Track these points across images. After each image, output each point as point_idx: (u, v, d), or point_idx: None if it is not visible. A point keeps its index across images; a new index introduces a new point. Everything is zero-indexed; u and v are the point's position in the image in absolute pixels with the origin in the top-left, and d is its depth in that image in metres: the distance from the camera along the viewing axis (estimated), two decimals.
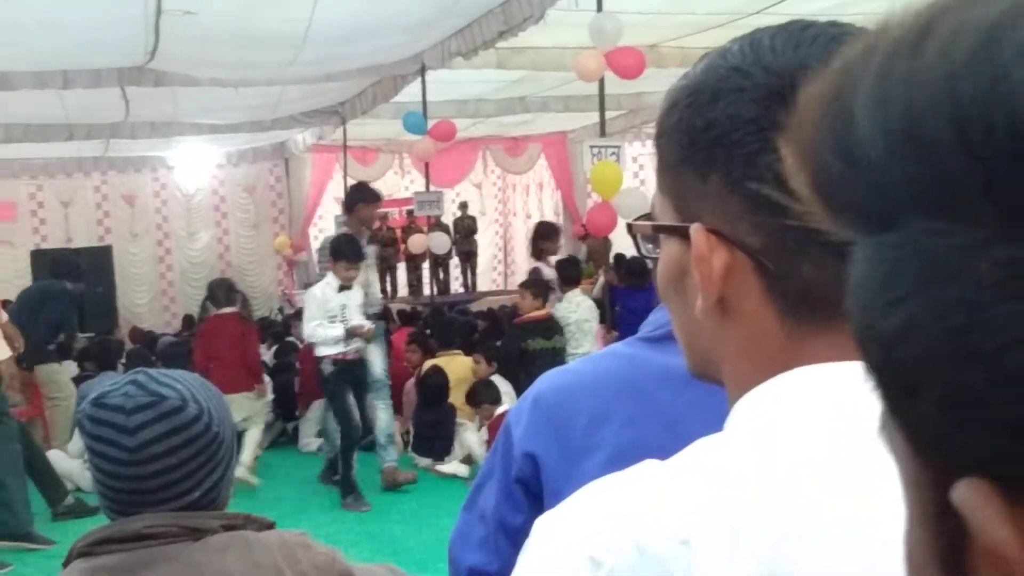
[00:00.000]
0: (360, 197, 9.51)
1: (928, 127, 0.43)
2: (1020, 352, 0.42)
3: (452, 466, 9.56)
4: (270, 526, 2.03)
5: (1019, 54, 0.41)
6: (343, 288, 8.77)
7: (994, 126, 0.41)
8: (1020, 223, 0.42)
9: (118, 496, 1.93)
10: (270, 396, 11.45)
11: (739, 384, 0.92)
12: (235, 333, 10.14)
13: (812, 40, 0.89)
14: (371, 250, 9.56)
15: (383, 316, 9.85)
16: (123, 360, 11.39)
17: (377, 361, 9.44)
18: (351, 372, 8.99)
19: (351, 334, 8.81)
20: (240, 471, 9.61)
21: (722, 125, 0.89)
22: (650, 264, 1.06)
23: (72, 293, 11.09)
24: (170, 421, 1.88)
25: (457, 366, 10.62)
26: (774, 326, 0.90)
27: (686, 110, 0.93)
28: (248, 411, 9.91)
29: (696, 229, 0.92)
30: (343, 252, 8.76)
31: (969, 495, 0.44)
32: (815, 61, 0.86)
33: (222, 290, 10.71)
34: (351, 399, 8.96)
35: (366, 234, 9.60)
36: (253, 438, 9.94)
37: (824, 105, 0.49)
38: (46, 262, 19.18)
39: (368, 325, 8.93)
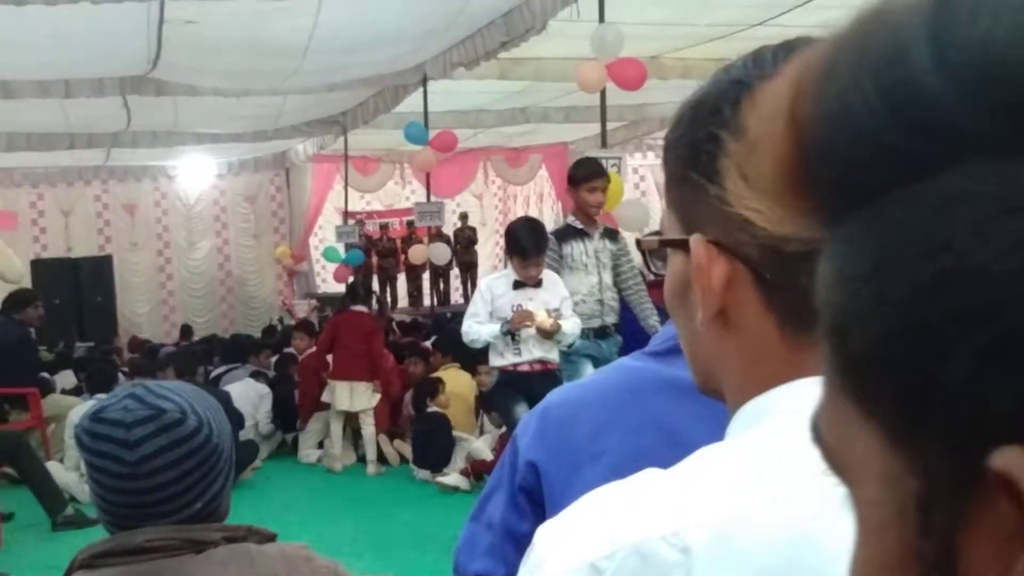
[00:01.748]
0: None
1: (1009, 59, 0.41)
2: None
3: (453, 478, 9.54)
4: (272, 538, 2.03)
5: None
6: (521, 285, 7.03)
7: None
8: None
9: (119, 510, 1.92)
10: (268, 406, 11.47)
11: (740, 395, 0.92)
12: (366, 328, 10.72)
13: (785, 45, 0.89)
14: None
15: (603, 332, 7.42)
16: (119, 382, 11.29)
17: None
18: (527, 385, 7.03)
19: (511, 330, 7.00)
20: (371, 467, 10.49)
21: (721, 136, 0.90)
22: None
23: (21, 334, 10.44)
24: (170, 434, 1.88)
25: (455, 380, 10.62)
26: (774, 337, 0.90)
27: (689, 123, 0.94)
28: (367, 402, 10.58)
29: (695, 240, 0.92)
30: (520, 244, 6.96)
31: (1018, 460, 0.40)
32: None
33: (362, 289, 11.82)
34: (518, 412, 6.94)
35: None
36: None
37: (854, 55, 0.47)
38: (47, 271, 19.32)
39: (541, 317, 6.86)
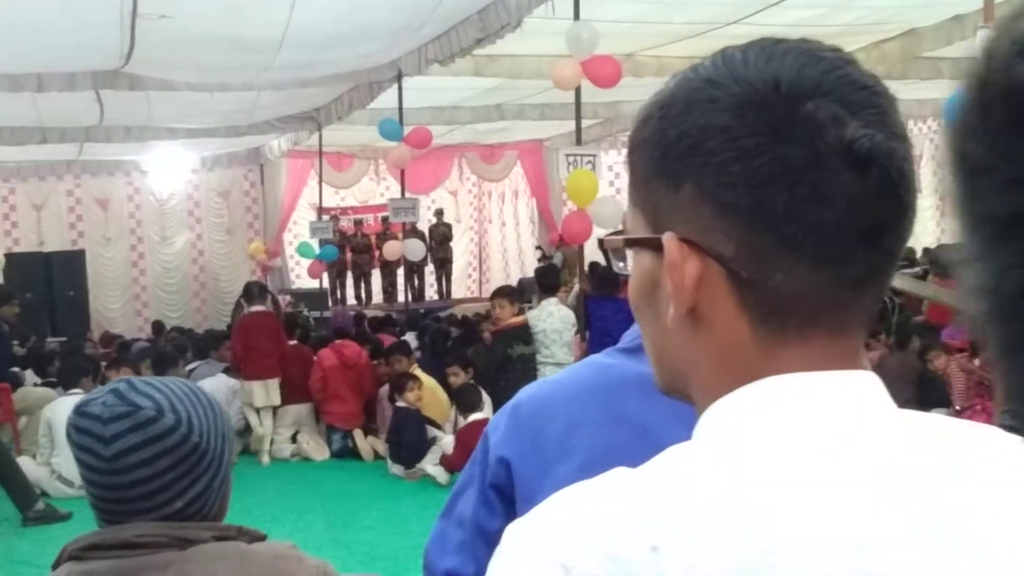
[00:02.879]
0: None
1: None
2: None
3: (431, 468, 9.56)
4: (262, 538, 2.02)
5: None
6: None
7: None
8: None
9: (101, 504, 1.93)
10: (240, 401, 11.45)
11: (709, 394, 0.92)
12: (271, 328, 11.44)
13: (784, 54, 0.89)
14: None
15: None
16: (90, 377, 11.15)
17: None
18: None
19: None
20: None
21: (695, 135, 0.89)
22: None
23: None
24: (144, 432, 1.87)
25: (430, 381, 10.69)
26: (746, 336, 0.90)
27: (659, 122, 0.94)
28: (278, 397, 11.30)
29: (668, 238, 0.92)
30: None
31: None
32: (787, 72, 0.87)
33: (256, 288, 12.15)
34: None
35: None
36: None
37: None
38: (19, 265, 19.20)
39: None
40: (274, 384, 11.22)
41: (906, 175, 0.87)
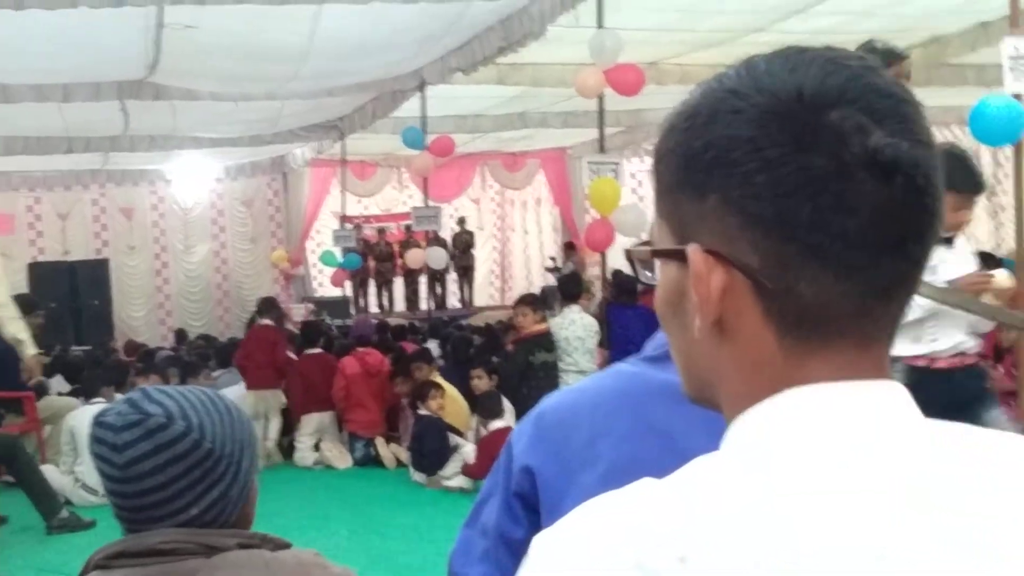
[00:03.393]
0: None
1: None
2: None
3: (456, 480, 9.57)
4: (286, 546, 2.03)
5: None
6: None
7: None
8: None
9: (121, 512, 1.94)
10: None
11: (737, 404, 0.92)
12: (269, 339, 11.77)
13: (808, 63, 0.89)
14: None
15: None
16: (112, 386, 11.14)
17: None
18: (937, 388, 5.02)
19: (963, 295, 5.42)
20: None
21: (720, 145, 0.89)
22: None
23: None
24: (154, 439, 1.88)
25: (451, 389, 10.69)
26: (772, 346, 0.90)
27: (683, 133, 0.94)
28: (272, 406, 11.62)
29: (694, 249, 0.92)
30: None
31: None
32: (811, 82, 0.87)
33: (264, 304, 12.66)
34: None
35: None
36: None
37: None
38: (44, 274, 19.31)
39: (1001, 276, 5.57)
40: (268, 394, 11.58)
41: (932, 183, 0.87)
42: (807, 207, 0.85)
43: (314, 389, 11.38)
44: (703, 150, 0.91)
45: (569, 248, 21.64)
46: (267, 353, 11.60)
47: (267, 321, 12.09)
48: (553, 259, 22.94)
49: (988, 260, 9.72)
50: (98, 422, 1.92)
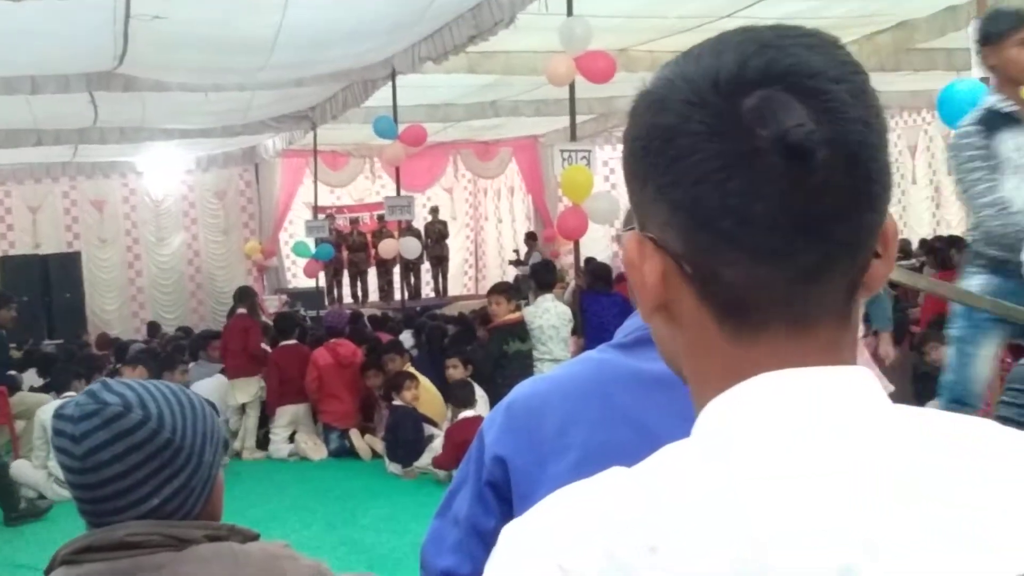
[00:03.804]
0: None
1: None
2: None
3: (427, 464, 9.58)
4: (254, 537, 2.02)
5: None
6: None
7: None
8: None
9: (83, 505, 1.93)
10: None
11: (699, 389, 0.93)
12: (242, 328, 11.98)
13: (736, 46, 0.89)
14: None
15: None
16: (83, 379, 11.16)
17: None
18: None
19: None
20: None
21: (648, 135, 0.91)
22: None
23: None
24: (111, 428, 1.87)
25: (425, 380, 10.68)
26: (715, 332, 0.90)
27: (628, 122, 0.95)
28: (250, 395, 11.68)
29: (627, 236, 0.93)
30: None
31: None
32: (730, 67, 0.87)
33: (239, 292, 12.94)
34: None
35: None
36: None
37: None
38: (15, 268, 19.18)
39: None
40: (243, 382, 11.69)
41: (860, 161, 0.86)
42: (717, 193, 0.85)
43: (289, 381, 11.34)
44: (638, 139, 0.92)
45: (531, 239, 21.70)
46: (241, 341, 11.76)
47: (242, 310, 12.27)
48: (516, 251, 23.01)
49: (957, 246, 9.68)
50: (58, 414, 1.92)
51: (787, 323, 0.88)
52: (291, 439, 11.32)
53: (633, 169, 0.94)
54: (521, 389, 1.72)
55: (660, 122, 0.89)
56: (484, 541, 1.64)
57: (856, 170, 0.86)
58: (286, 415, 11.31)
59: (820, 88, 0.85)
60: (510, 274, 21.68)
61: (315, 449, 11.12)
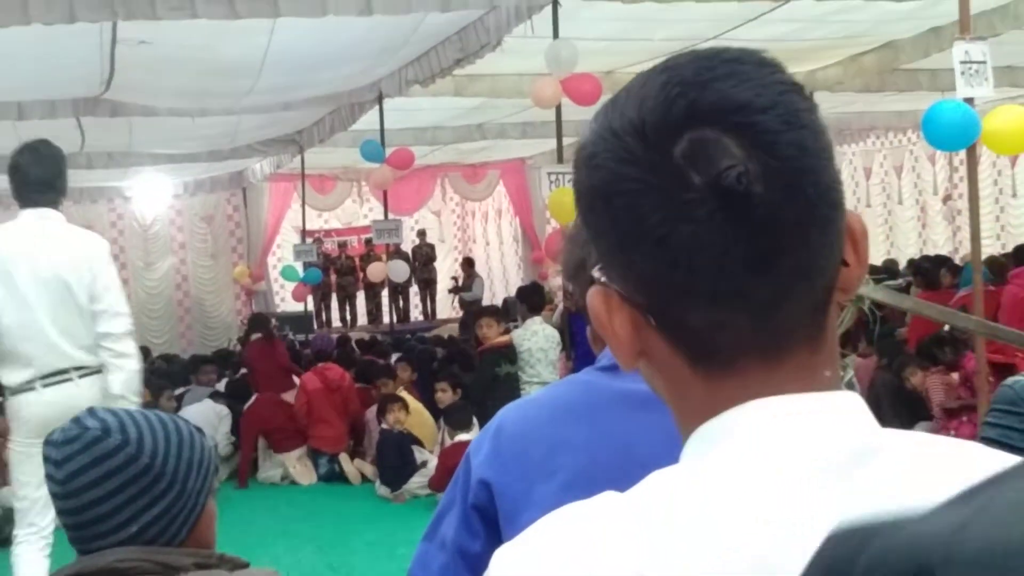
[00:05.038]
0: None
1: None
2: None
3: (421, 490, 9.57)
4: (244, 566, 2.01)
5: None
6: None
7: None
8: None
9: (68, 531, 1.94)
10: (228, 427, 11.44)
11: (682, 420, 0.93)
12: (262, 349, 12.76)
13: (657, 92, 0.87)
14: None
15: None
16: None
17: None
18: None
19: None
20: None
21: (589, 195, 0.91)
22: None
23: None
24: (90, 452, 1.88)
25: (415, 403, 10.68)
26: (688, 374, 0.91)
27: (574, 175, 0.95)
28: None
29: (592, 292, 0.93)
30: None
31: None
32: (654, 116, 0.86)
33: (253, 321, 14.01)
34: None
35: None
36: None
37: None
38: None
39: None
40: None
41: (799, 189, 0.85)
42: (663, 249, 0.85)
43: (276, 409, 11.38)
44: (583, 196, 0.92)
45: (468, 265, 21.72)
46: (269, 360, 12.44)
47: (257, 335, 13.14)
48: (455, 279, 23.06)
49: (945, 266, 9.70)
50: (45, 441, 1.94)
51: (756, 357, 0.88)
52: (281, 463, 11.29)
53: (587, 223, 0.93)
54: (507, 413, 1.72)
55: (596, 182, 0.89)
56: (470, 564, 1.64)
57: (796, 199, 0.84)
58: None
59: (747, 122, 0.84)
60: (499, 296, 21.66)
61: (305, 474, 11.09)
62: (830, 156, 0.88)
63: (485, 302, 19.80)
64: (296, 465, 11.13)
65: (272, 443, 11.23)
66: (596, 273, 0.95)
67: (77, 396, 5.03)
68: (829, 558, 0.63)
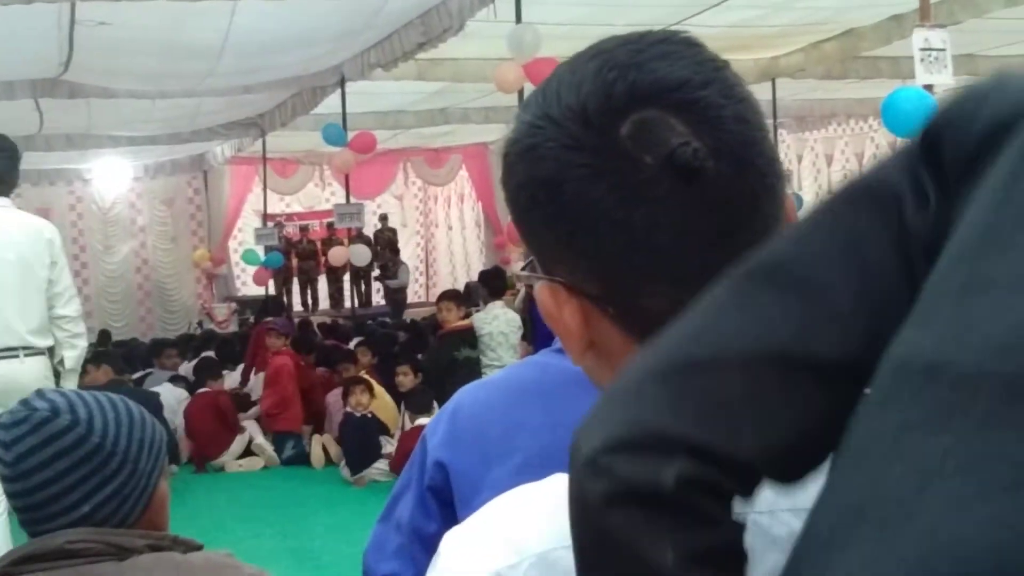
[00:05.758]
0: None
1: None
2: None
3: (380, 476, 9.57)
4: (198, 547, 2.01)
5: None
6: None
7: None
8: None
9: (19, 514, 1.93)
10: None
11: None
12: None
13: (594, 74, 0.87)
14: None
15: None
16: None
17: None
18: None
19: None
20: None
21: (529, 187, 0.89)
22: None
23: None
24: (39, 433, 1.87)
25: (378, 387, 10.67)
26: None
27: (506, 170, 0.94)
28: None
29: (540, 287, 0.92)
30: None
31: None
32: (595, 99, 0.85)
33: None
34: None
35: None
36: None
37: None
38: None
39: None
40: None
41: (748, 161, 0.85)
42: (619, 232, 0.84)
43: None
44: (520, 190, 0.90)
45: (393, 252, 21.61)
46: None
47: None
48: (382, 266, 23.00)
49: None
50: None
51: None
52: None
53: (523, 219, 0.92)
54: (464, 395, 1.72)
55: (539, 173, 0.87)
56: (426, 546, 1.63)
57: (747, 172, 0.85)
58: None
59: (690, 98, 0.84)
60: (461, 281, 21.65)
61: (267, 458, 11.05)
62: (766, 128, 0.88)
63: (446, 286, 19.76)
64: (243, 463, 11.03)
65: (205, 453, 11.09)
66: (525, 272, 0.94)
67: (21, 372, 5.44)
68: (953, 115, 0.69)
